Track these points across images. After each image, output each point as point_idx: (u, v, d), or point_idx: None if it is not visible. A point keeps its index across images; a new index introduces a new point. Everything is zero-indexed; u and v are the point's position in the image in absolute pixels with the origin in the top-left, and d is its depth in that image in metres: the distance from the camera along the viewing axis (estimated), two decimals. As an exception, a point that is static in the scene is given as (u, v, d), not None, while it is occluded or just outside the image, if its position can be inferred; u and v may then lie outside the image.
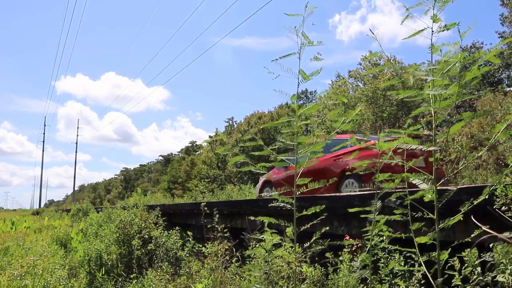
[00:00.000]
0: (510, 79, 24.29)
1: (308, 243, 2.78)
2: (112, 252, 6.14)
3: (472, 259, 2.16)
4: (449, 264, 2.23)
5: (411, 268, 2.64)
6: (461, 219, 2.09)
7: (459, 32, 1.88)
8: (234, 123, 44.00)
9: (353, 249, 3.25)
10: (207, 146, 40.91)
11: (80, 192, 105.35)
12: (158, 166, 76.38)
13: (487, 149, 2.35)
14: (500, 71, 23.73)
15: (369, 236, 2.60)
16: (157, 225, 6.23)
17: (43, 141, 52.72)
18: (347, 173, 6.63)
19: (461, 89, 1.97)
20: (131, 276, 5.17)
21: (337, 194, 5.66)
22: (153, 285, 4.54)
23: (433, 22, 1.98)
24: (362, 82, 22.02)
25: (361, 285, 2.93)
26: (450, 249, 2.14)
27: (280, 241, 2.84)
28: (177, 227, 6.37)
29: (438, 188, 2.12)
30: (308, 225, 2.69)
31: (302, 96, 45.31)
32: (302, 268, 3.29)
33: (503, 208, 2.14)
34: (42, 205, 61.08)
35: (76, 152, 50.13)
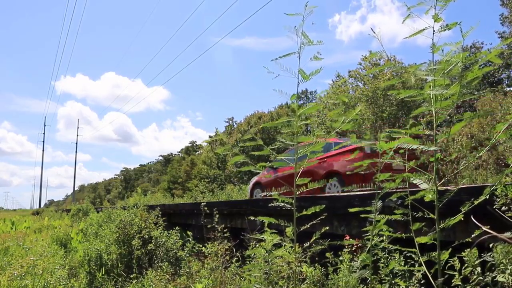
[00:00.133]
0: (510, 79, 24.28)
1: (308, 243, 2.78)
2: (112, 252, 6.13)
3: (472, 259, 2.16)
4: (449, 264, 2.22)
5: (411, 268, 2.64)
6: (462, 219, 2.09)
7: (462, 31, 1.87)
8: (234, 123, 43.97)
9: (353, 249, 3.25)
10: (207, 146, 40.88)
11: (80, 192, 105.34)
12: (158, 166, 76.35)
13: (487, 149, 2.35)
14: (500, 71, 23.72)
15: (369, 236, 2.60)
16: (157, 225, 6.23)
17: (43, 141, 52.81)
18: (330, 179, 6.85)
19: (462, 89, 1.97)
20: (131, 276, 5.16)
21: (337, 194, 5.66)
22: (153, 285, 4.53)
23: (435, 21, 1.98)
24: (362, 82, 22.00)
25: (361, 285, 2.92)
26: (450, 249, 2.14)
27: (280, 241, 2.83)
28: (177, 227, 6.37)
29: (438, 188, 2.12)
30: (308, 225, 2.69)
31: (302, 96, 45.30)
32: (302, 268, 3.29)
33: (503, 208, 2.14)
34: (42, 205, 61.09)
35: (76, 152, 50.19)
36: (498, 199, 2.15)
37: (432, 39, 2.02)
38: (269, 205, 2.99)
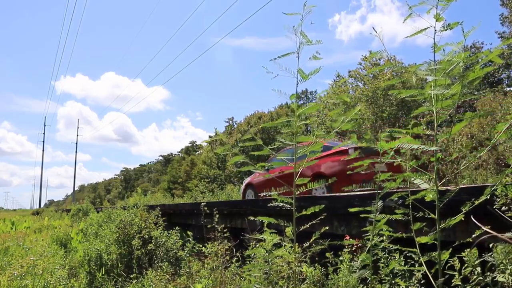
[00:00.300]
0: (510, 79, 24.28)
1: (308, 243, 2.78)
2: (112, 252, 6.13)
3: (472, 259, 2.16)
4: (449, 264, 2.22)
5: (411, 268, 2.63)
6: (462, 219, 2.09)
7: (463, 31, 1.87)
8: (234, 123, 43.96)
9: (353, 249, 3.25)
10: (207, 146, 40.88)
11: (80, 192, 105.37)
12: (158, 166, 76.35)
13: (488, 149, 2.34)
14: (500, 71, 23.72)
15: (369, 236, 2.59)
16: (157, 225, 6.22)
17: (43, 141, 52.87)
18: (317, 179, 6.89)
19: (463, 89, 1.96)
20: (131, 276, 5.16)
21: (337, 194, 5.66)
22: (153, 285, 4.53)
23: (436, 21, 1.97)
24: (362, 82, 22.00)
25: (361, 285, 2.92)
26: (450, 249, 2.14)
27: (280, 241, 2.83)
28: (177, 227, 6.36)
29: (439, 188, 2.12)
30: (308, 225, 2.68)
31: (302, 96, 45.30)
32: (302, 268, 3.28)
33: (503, 208, 2.13)
34: (42, 205, 61.09)
35: (76, 152, 50.24)
36: (498, 199, 2.15)
37: (434, 39, 2.01)
38: (268, 205, 2.99)
